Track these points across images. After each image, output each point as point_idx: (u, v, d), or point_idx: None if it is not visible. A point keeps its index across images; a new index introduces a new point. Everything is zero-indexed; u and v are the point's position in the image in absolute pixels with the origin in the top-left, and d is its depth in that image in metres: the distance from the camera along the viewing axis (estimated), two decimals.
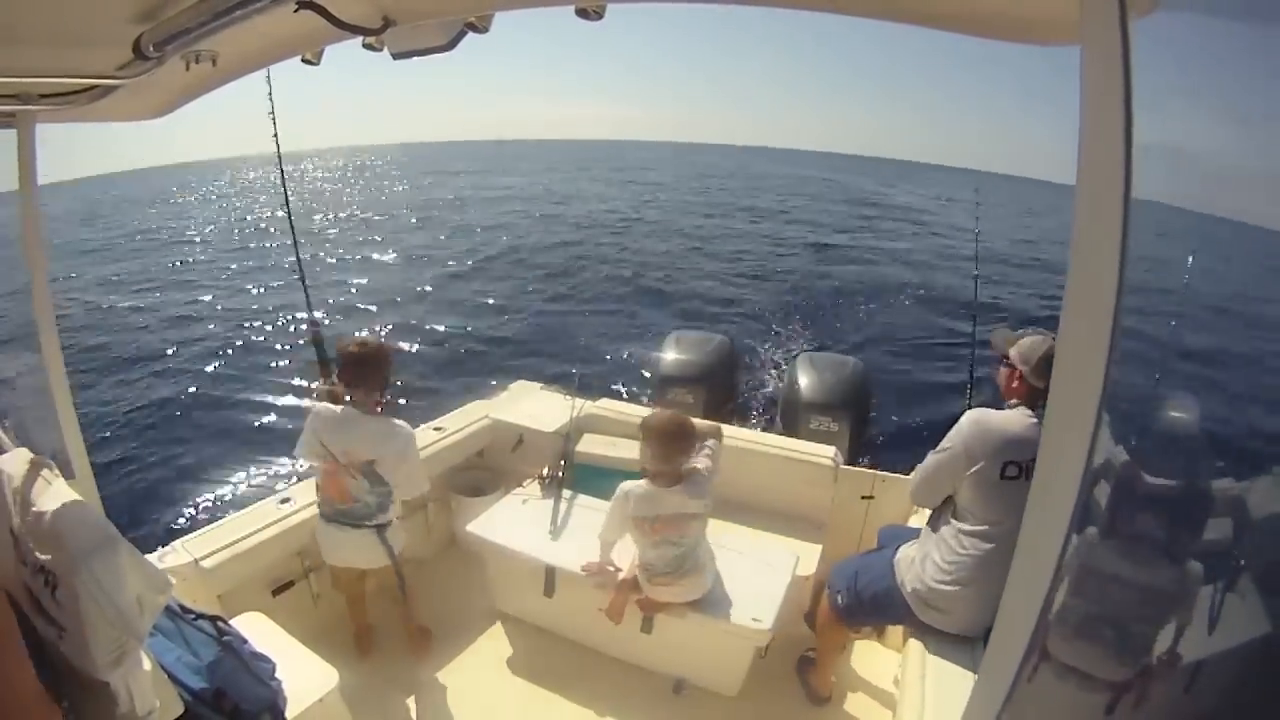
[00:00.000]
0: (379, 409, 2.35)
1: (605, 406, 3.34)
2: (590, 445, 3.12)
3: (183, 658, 1.42)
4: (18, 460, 1.21)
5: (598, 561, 2.31)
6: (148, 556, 1.66)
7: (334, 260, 16.02)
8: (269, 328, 10.73)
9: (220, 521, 2.43)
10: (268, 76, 3.04)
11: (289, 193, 3.56)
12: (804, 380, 4.12)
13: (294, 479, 2.56)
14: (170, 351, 9.64)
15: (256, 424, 7.21)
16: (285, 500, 2.55)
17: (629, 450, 3.09)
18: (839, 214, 28.56)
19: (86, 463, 1.97)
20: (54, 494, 1.13)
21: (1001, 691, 0.70)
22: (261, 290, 13.22)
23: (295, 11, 1.03)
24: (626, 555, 2.31)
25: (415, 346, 9.49)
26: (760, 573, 2.34)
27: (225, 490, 5.82)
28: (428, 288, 12.99)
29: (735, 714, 2.36)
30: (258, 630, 1.89)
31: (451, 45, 1.31)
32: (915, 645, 1.98)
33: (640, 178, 46.32)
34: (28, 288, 1.84)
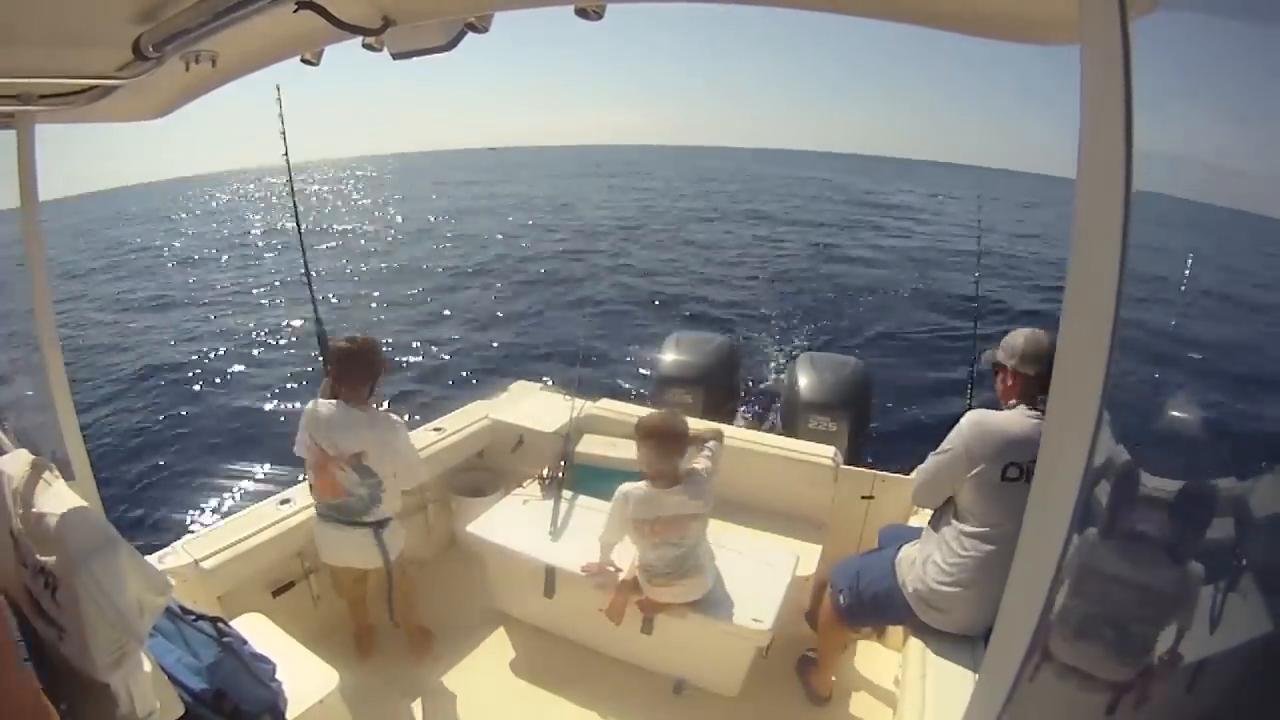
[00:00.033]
0: (369, 403, 2.35)
1: (605, 407, 3.34)
2: (590, 446, 3.12)
3: (183, 659, 1.42)
4: (18, 461, 1.21)
5: (598, 562, 2.31)
6: (148, 558, 1.66)
7: (339, 270, 16.04)
8: (271, 333, 10.75)
9: (220, 522, 2.43)
10: (279, 98, 3.07)
11: (296, 203, 3.59)
12: (804, 380, 4.12)
13: (298, 478, 2.56)
14: (172, 353, 9.65)
15: (257, 426, 7.21)
16: (285, 501, 2.54)
17: (629, 451, 3.08)
18: (839, 214, 28.59)
19: (87, 464, 1.97)
20: (54, 495, 1.13)
21: (1002, 692, 0.70)
22: (265, 298, 13.26)
23: (295, 12, 1.03)
24: (626, 556, 2.31)
25: (418, 352, 9.50)
26: (760, 573, 2.34)
27: (225, 491, 5.83)
28: (430, 297, 12.99)
29: (735, 714, 2.36)
30: (258, 631, 1.89)
31: (451, 45, 1.31)
32: (916, 645, 1.98)
33: (641, 183, 46.34)
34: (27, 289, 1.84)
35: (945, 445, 1.97)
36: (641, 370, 7.85)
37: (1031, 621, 0.66)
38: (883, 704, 2.38)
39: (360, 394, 2.32)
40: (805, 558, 2.54)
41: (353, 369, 2.29)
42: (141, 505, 5.52)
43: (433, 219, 26.29)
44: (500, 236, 20.54)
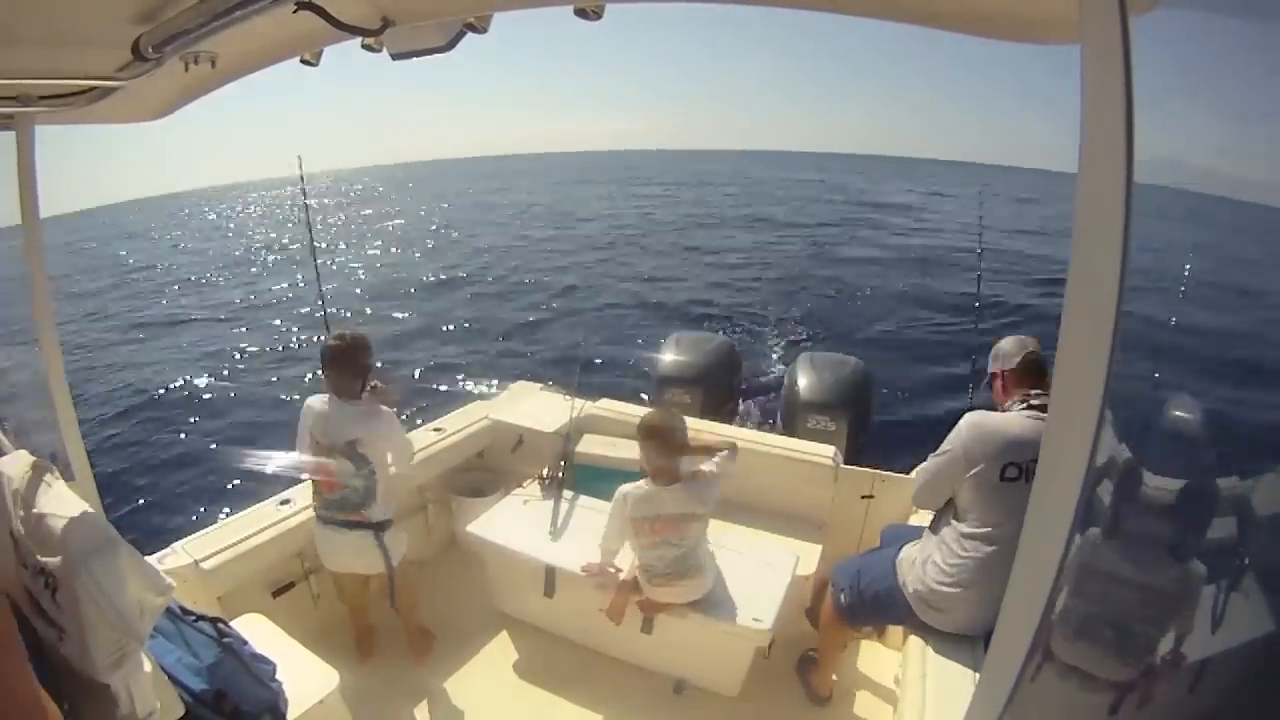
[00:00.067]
0: (361, 395, 2.38)
1: (605, 407, 3.34)
2: (590, 446, 3.12)
3: (183, 659, 1.42)
4: (18, 463, 1.21)
5: (598, 562, 2.31)
6: (148, 558, 1.66)
7: (344, 276, 16.05)
8: (273, 338, 10.76)
9: (220, 523, 2.43)
10: (300, 173, 3.08)
11: (309, 217, 3.61)
12: (804, 380, 4.12)
13: (299, 479, 2.57)
14: (173, 357, 9.66)
15: (258, 427, 7.21)
16: (285, 502, 2.54)
17: (629, 450, 3.08)
18: (838, 214, 28.57)
19: (87, 465, 1.97)
20: (54, 496, 1.13)
21: (1004, 692, 0.70)
22: (270, 306, 13.28)
23: (294, 12, 1.03)
24: (627, 556, 2.31)
25: (418, 353, 9.51)
26: (760, 573, 2.34)
27: (225, 493, 5.82)
28: (431, 303, 13.01)
29: (736, 714, 2.36)
30: (258, 632, 1.89)
31: (450, 46, 1.31)
32: (916, 644, 1.98)
33: (641, 188, 46.36)
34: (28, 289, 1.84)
35: (944, 447, 1.97)
36: (642, 370, 7.86)
37: (1033, 621, 0.66)
38: (883, 704, 2.38)
39: (353, 389, 2.35)
40: (805, 557, 2.54)
41: (344, 365, 2.33)
42: (141, 506, 5.52)
43: (433, 227, 26.27)
44: (499, 244, 20.57)
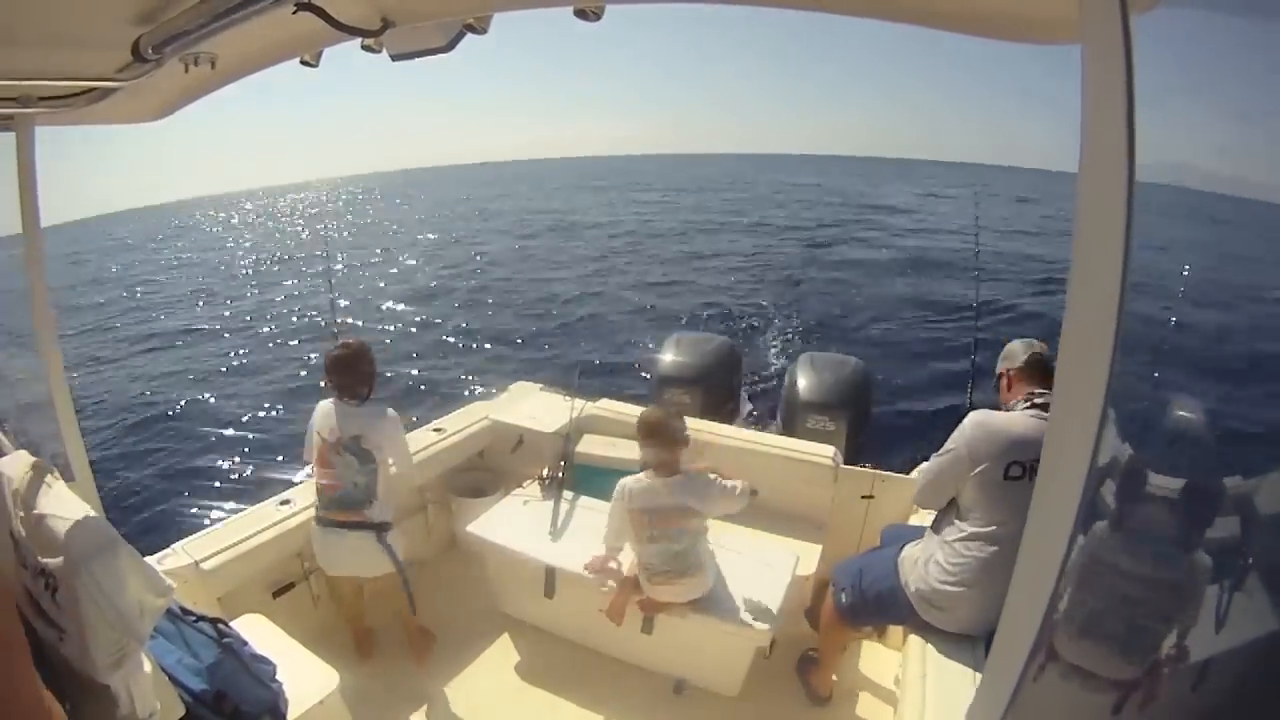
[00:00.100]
0: (366, 401, 2.42)
1: (605, 407, 3.34)
2: (590, 446, 3.12)
3: (183, 660, 1.42)
4: (18, 463, 1.21)
5: (601, 557, 2.32)
6: (148, 559, 1.66)
7: (352, 281, 16.06)
8: (274, 344, 10.76)
9: (220, 523, 2.43)
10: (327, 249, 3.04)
11: (322, 224, 3.60)
12: (803, 380, 4.11)
13: (299, 476, 2.59)
14: (175, 359, 9.66)
15: (258, 428, 7.21)
16: (285, 502, 2.54)
17: (629, 450, 3.08)
18: (837, 216, 28.58)
19: (87, 465, 1.96)
20: (54, 497, 1.13)
21: (1006, 692, 0.70)
22: (271, 312, 13.28)
23: (294, 13, 1.03)
24: (628, 555, 2.31)
25: (418, 356, 9.51)
26: (760, 573, 2.34)
27: (225, 494, 5.82)
28: (432, 308, 13.00)
29: (736, 714, 2.36)
30: (258, 632, 1.89)
31: (450, 46, 1.31)
32: (916, 644, 1.98)
33: (640, 194, 46.39)
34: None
35: (948, 445, 1.97)
36: (642, 372, 7.86)
37: (1035, 621, 0.66)
38: (883, 704, 2.38)
39: (358, 395, 2.40)
40: (805, 558, 2.54)
41: (348, 374, 2.38)
42: (141, 507, 5.52)
43: (433, 236, 26.18)
44: (499, 249, 20.58)
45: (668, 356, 4.49)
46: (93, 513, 1.13)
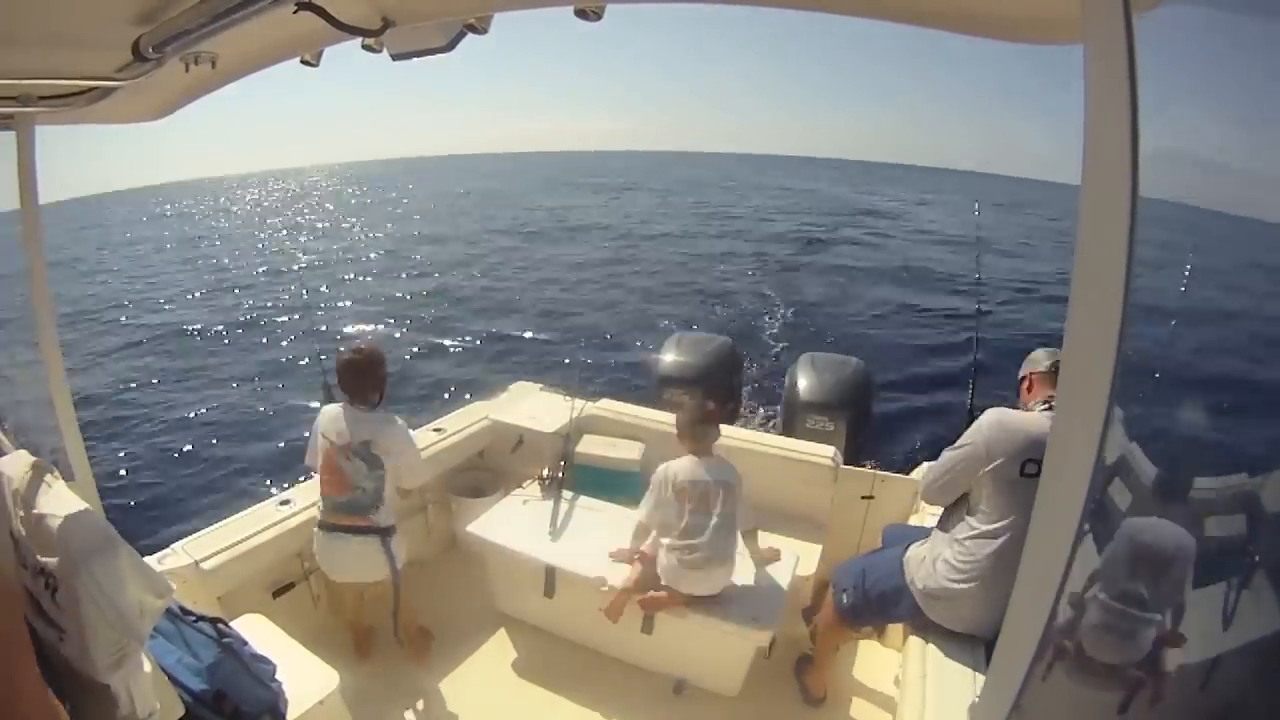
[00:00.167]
0: (377, 407, 2.40)
1: (605, 407, 3.34)
2: (590, 446, 3.12)
3: (183, 659, 1.42)
4: (18, 463, 1.21)
5: (627, 549, 2.36)
6: (147, 559, 1.66)
7: (342, 277, 16.03)
8: (273, 338, 10.75)
9: (220, 523, 2.43)
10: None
11: (308, 214, 3.59)
12: (804, 381, 4.11)
13: (300, 478, 2.58)
14: (176, 357, 9.66)
15: (258, 428, 7.21)
16: (285, 502, 2.54)
17: (629, 451, 3.09)
18: (836, 217, 28.61)
19: (87, 465, 1.96)
20: (54, 497, 1.13)
21: (1012, 691, 0.69)
22: (268, 304, 13.25)
23: (295, 13, 1.03)
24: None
25: (417, 356, 9.51)
26: (760, 573, 2.35)
27: (225, 493, 5.82)
28: (427, 306, 12.98)
29: (736, 714, 2.36)
30: (258, 632, 1.89)
31: (451, 46, 1.31)
32: (916, 644, 1.98)
33: (632, 193, 46.30)
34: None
35: (963, 441, 1.96)
36: (642, 371, 7.86)
37: (1041, 619, 0.65)
38: (883, 704, 2.38)
39: (370, 401, 2.37)
40: (805, 558, 2.54)
41: (360, 380, 2.35)
42: (141, 506, 5.53)
43: (417, 232, 26.03)
44: (488, 246, 20.57)
45: (668, 356, 4.49)
46: (93, 512, 1.13)
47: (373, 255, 20.19)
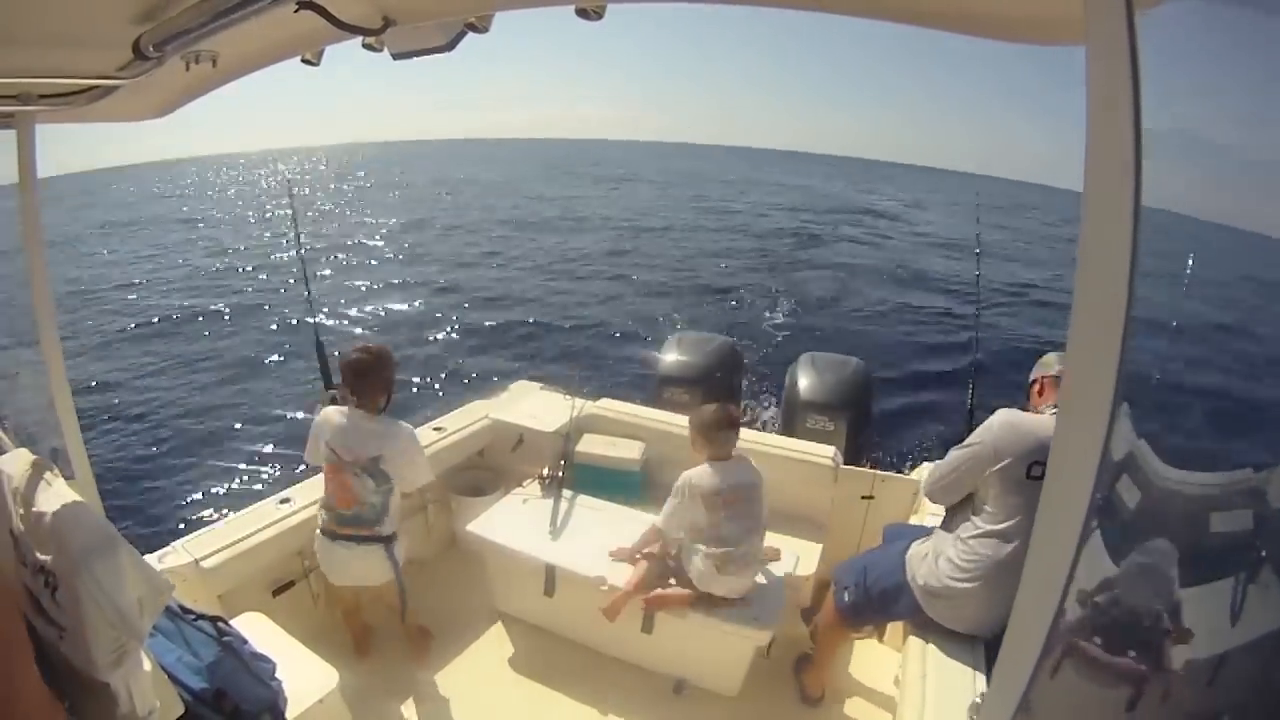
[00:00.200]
0: (384, 411, 2.35)
1: (605, 406, 3.34)
2: (590, 445, 3.12)
3: (183, 658, 1.42)
4: (18, 461, 1.21)
5: (628, 549, 2.36)
6: (147, 557, 1.66)
7: (333, 263, 16.00)
8: (271, 331, 10.75)
9: (220, 522, 2.43)
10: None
11: (291, 195, 3.55)
12: (804, 380, 4.12)
13: (299, 471, 2.57)
14: (173, 354, 9.66)
15: (258, 428, 7.22)
16: (285, 500, 2.54)
17: (629, 450, 3.09)
18: (836, 216, 28.61)
19: (87, 463, 1.96)
20: (54, 495, 1.13)
21: (1017, 691, 0.69)
22: (262, 293, 13.22)
23: (295, 12, 1.03)
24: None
25: (417, 356, 9.51)
26: (760, 573, 2.35)
27: (225, 492, 5.83)
28: (419, 299, 12.96)
29: (736, 714, 2.36)
30: (258, 630, 1.89)
31: (451, 45, 1.31)
32: (916, 644, 1.98)
33: (631, 186, 46.19)
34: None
35: (971, 440, 1.96)
36: (643, 371, 7.86)
37: (1046, 619, 0.65)
38: (883, 704, 2.38)
39: (376, 404, 2.31)
40: (805, 558, 2.54)
41: (368, 381, 2.29)
42: (141, 505, 5.53)
43: (396, 221, 25.71)
44: (494, 243, 20.52)
45: (669, 356, 4.49)
46: (93, 510, 1.14)
47: (369, 242, 20.09)
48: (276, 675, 1.63)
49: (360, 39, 1.26)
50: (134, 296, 13.41)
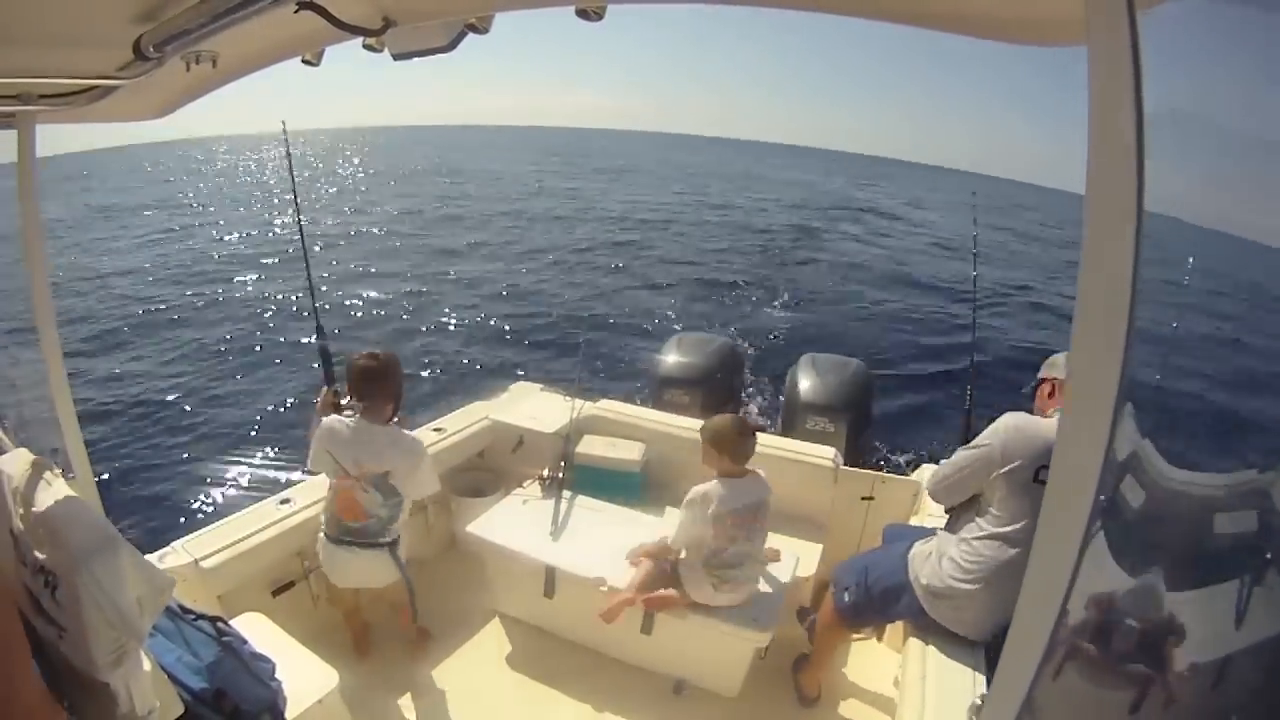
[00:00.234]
0: (391, 420, 2.32)
1: (605, 407, 3.34)
2: (590, 446, 3.12)
3: (183, 658, 1.42)
4: (18, 460, 1.21)
5: (639, 550, 2.35)
6: (147, 557, 1.66)
7: (334, 251, 15.97)
8: (273, 329, 10.74)
9: (220, 522, 2.43)
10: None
11: (297, 200, 3.51)
12: (804, 381, 4.12)
13: (299, 472, 2.57)
14: (173, 351, 9.65)
15: (258, 427, 7.21)
16: (285, 501, 2.54)
17: (629, 451, 3.09)
18: (835, 216, 28.60)
19: (87, 463, 1.96)
20: (54, 494, 1.13)
21: (1020, 692, 0.69)
22: (265, 290, 13.20)
23: (295, 12, 1.03)
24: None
25: (416, 354, 9.51)
26: (760, 574, 2.35)
27: (225, 492, 5.83)
28: (421, 290, 12.93)
29: (735, 714, 2.36)
30: (257, 631, 1.89)
31: (452, 46, 1.31)
32: (915, 645, 1.98)
33: (629, 178, 46.04)
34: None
35: (978, 442, 1.96)
36: (643, 371, 7.87)
37: (1049, 621, 0.65)
38: (882, 705, 2.38)
39: (384, 413, 2.28)
40: (805, 558, 2.54)
41: (377, 388, 2.25)
42: (141, 504, 5.53)
43: (392, 210, 25.30)
44: (491, 239, 20.50)
45: (670, 357, 4.49)
46: (93, 510, 1.13)
47: (369, 230, 20.01)
48: (276, 675, 1.63)
49: (360, 39, 1.27)
50: (130, 284, 13.33)
